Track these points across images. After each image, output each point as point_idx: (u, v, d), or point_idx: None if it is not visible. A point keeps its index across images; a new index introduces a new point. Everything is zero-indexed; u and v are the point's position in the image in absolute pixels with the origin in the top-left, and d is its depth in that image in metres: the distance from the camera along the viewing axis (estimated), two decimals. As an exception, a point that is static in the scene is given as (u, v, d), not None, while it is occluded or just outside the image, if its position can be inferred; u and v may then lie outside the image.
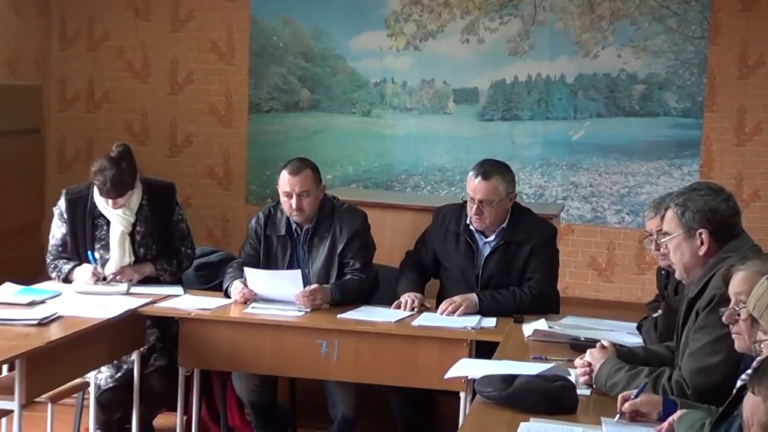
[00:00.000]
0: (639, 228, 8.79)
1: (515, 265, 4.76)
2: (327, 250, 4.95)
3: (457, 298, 4.66)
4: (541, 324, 4.34)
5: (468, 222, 4.77)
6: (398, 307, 4.66)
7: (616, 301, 8.99)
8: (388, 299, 4.93)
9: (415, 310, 4.62)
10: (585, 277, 9.33)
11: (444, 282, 4.92)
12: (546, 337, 4.20)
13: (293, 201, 4.85)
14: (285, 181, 4.89)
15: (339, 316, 4.64)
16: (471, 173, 4.72)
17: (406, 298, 4.65)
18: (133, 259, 5.00)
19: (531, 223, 4.86)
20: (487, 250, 4.77)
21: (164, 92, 9.72)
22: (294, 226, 4.99)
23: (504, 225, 4.75)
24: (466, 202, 4.75)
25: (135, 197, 4.98)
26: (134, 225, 5.00)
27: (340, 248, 4.95)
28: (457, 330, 4.46)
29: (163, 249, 5.14)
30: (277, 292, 4.78)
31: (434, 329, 4.49)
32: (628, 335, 4.23)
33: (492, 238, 4.77)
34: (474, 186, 4.69)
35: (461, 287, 4.78)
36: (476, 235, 4.79)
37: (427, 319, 4.62)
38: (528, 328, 4.33)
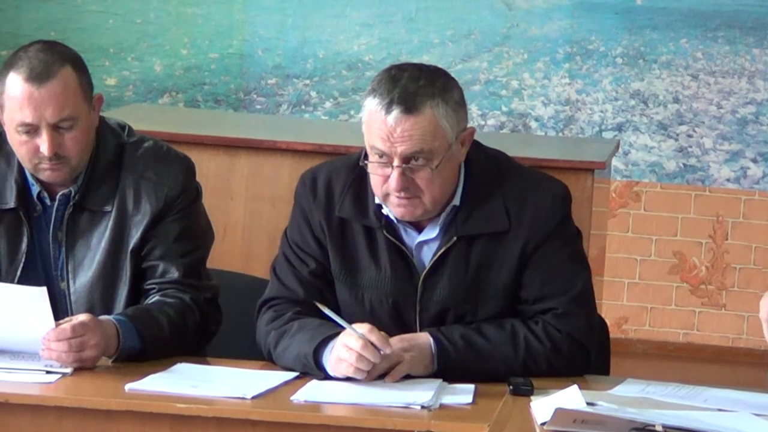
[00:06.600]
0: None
1: (492, 280, 3.62)
2: (109, 241, 3.82)
3: (394, 343, 3.39)
4: (571, 396, 3.40)
5: (381, 204, 3.65)
6: (340, 373, 3.39)
7: (731, 347, 7.10)
8: (245, 347, 3.73)
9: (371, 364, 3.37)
10: (664, 296, 7.20)
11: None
12: (580, 425, 3.29)
13: (42, 140, 3.69)
14: (19, 98, 3.67)
15: (130, 386, 3.47)
16: (374, 102, 3.48)
17: (351, 340, 3.36)
18: None
19: (513, 185, 3.64)
20: (427, 256, 3.63)
21: None
22: (37, 190, 3.84)
23: (456, 201, 3.58)
24: (365, 163, 3.56)
25: None
26: None
27: (136, 238, 3.83)
28: (391, 411, 3.42)
29: None
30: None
31: (342, 410, 3.44)
32: (756, 420, 3.31)
33: (433, 229, 3.62)
34: (387, 129, 3.50)
35: (390, 328, 3.54)
36: (401, 228, 3.65)
37: (326, 392, 3.45)
38: (542, 406, 3.37)
